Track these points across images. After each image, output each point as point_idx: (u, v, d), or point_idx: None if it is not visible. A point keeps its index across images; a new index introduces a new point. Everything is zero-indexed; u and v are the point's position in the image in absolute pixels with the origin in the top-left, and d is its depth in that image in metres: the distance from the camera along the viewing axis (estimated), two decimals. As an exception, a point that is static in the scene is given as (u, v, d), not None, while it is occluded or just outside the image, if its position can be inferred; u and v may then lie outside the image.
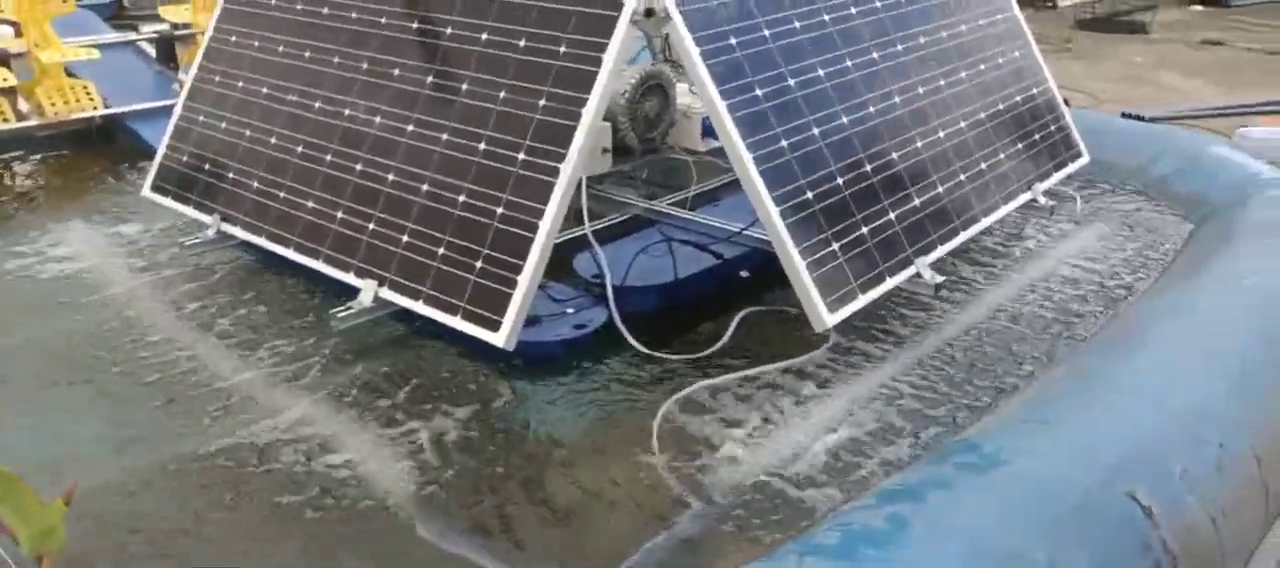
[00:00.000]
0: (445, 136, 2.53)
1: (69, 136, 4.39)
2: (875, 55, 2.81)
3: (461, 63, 2.59)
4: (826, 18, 2.75)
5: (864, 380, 2.44)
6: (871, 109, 2.70)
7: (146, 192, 3.26)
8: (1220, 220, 3.25)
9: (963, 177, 2.88)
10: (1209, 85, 8.36)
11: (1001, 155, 3.09)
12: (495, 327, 2.27)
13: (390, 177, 2.59)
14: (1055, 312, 2.81)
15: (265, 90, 3.03)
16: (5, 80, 4.19)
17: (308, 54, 2.97)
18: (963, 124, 2.99)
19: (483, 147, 2.45)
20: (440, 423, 2.25)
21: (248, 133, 3.00)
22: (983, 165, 2.99)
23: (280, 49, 3.05)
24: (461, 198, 2.43)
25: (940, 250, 2.68)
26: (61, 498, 1.33)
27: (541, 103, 2.39)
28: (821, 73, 2.62)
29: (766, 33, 2.57)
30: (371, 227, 2.56)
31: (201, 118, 3.17)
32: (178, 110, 3.29)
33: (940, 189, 2.77)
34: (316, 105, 2.86)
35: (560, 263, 2.65)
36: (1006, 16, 3.44)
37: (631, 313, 2.57)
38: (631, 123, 3.40)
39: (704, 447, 2.18)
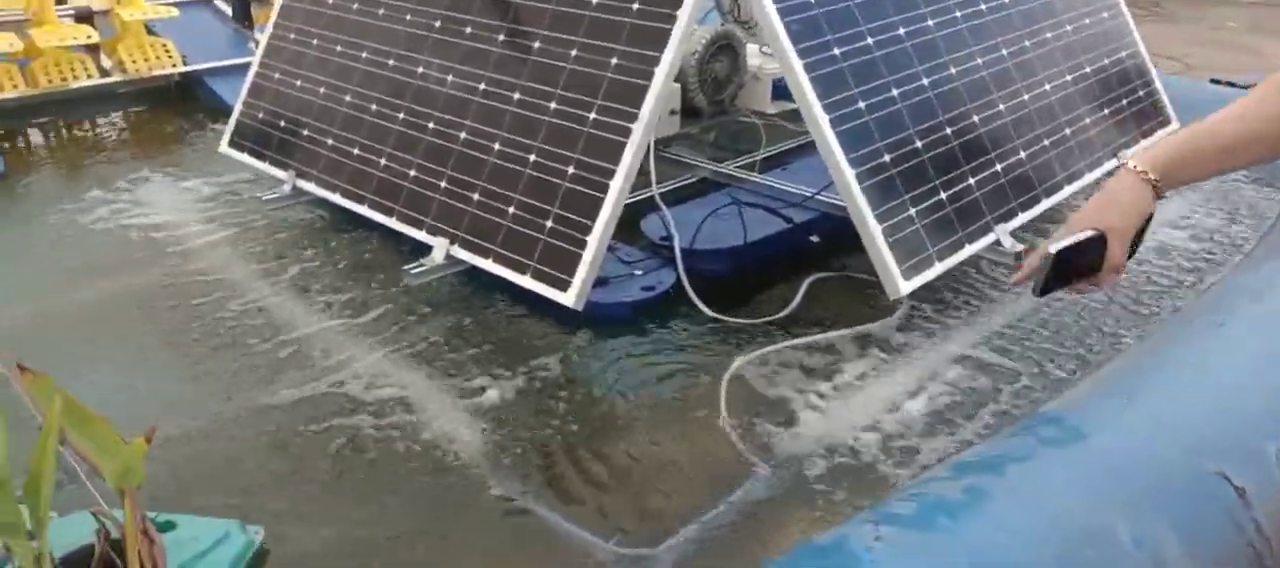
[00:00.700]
0: (517, 95, 2.52)
1: (149, 93, 4.50)
2: (958, 15, 2.71)
3: (534, 20, 2.58)
4: (907, -25, 2.67)
5: (937, 349, 2.38)
6: (953, 70, 2.61)
7: (224, 147, 3.33)
8: (1319, 192, 3.10)
9: (1047, 142, 2.78)
10: (1305, 51, 7.98)
11: (1087, 120, 2.98)
12: (564, 286, 2.27)
13: (462, 135, 2.59)
14: (1140, 284, 2.71)
15: (339, 48, 3.05)
16: (89, 37, 4.30)
17: (381, 12, 2.98)
18: (1047, 87, 2.88)
19: (554, 105, 2.44)
20: (508, 381, 2.26)
21: (322, 90, 3.03)
22: (1067, 131, 2.88)
23: (355, 6, 3.07)
24: (532, 157, 2.43)
25: (1021, 218, 2.60)
26: (142, 437, 1.37)
27: (613, 61, 2.37)
28: (902, 32, 2.54)
29: (845, -10, 2.51)
30: (443, 185, 2.57)
31: (277, 75, 3.21)
32: (254, 68, 3.33)
33: (1023, 154, 2.68)
34: (390, 63, 2.87)
35: (627, 224, 2.63)
36: (1095, -25, 3.31)
37: (699, 276, 2.55)
38: (701, 84, 3.37)
39: (772, 412, 2.15)
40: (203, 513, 1.75)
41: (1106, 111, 3.08)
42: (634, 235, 2.76)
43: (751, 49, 3.55)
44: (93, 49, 4.41)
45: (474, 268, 2.48)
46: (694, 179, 3.20)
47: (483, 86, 2.61)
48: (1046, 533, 1.56)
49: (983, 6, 2.80)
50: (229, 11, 5.16)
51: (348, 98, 2.95)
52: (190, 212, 3.24)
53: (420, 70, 2.79)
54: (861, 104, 2.36)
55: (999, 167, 2.60)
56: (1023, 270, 1.79)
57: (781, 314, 2.51)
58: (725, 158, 3.32)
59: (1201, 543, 1.63)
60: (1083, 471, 1.72)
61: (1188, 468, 1.75)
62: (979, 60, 2.70)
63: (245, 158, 3.22)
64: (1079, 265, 1.76)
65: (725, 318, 2.48)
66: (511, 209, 2.42)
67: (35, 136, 4.16)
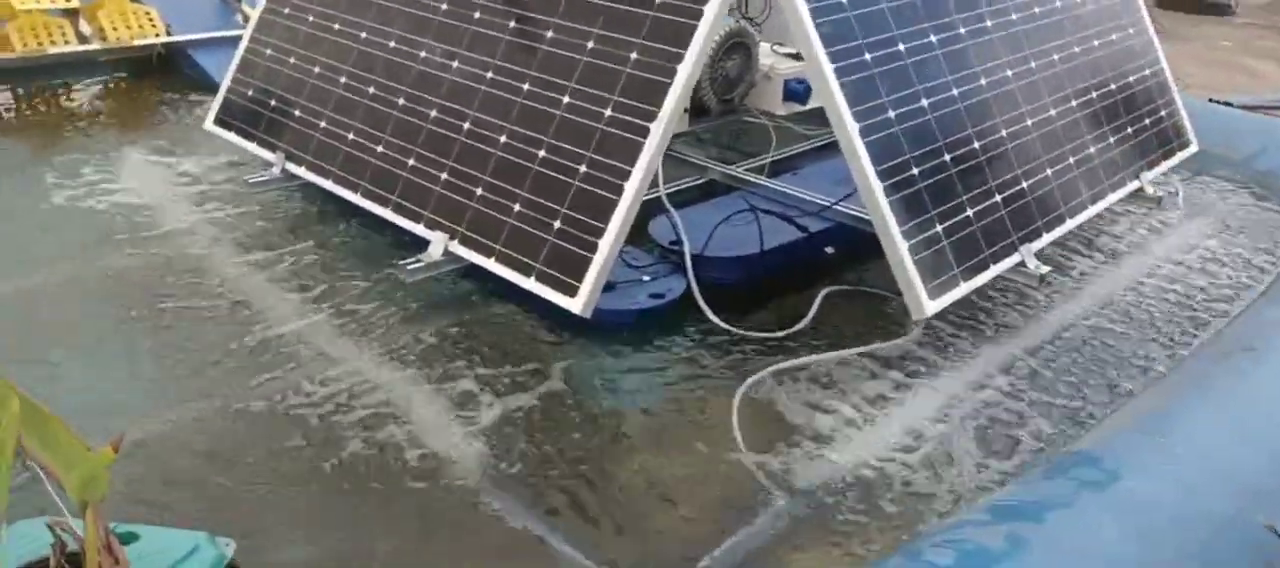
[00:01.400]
0: (527, 86, 2.38)
1: (129, 63, 4.31)
2: (989, 23, 2.60)
3: (547, 8, 2.44)
4: (938, -20, 2.55)
5: (959, 373, 2.28)
6: (983, 81, 2.51)
7: (209, 125, 3.16)
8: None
9: (1072, 159, 2.68)
10: (1300, 73, 7.97)
11: (1111, 139, 2.88)
12: (572, 291, 2.14)
13: (466, 125, 2.45)
14: (1162, 311, 2.62)
15: (336, 26, 2.90)
16: (68, 1, 4.10)
17: (382, -10, 2.83)
18: (1073, 103, 2.78)
19: (567, 99, 2.30)
20: (506, 390, 2.13)
21: (316, 70, 2.88)
22: (1092, 148, 2.78)
23: (353, -17, 2.92)
24: (541, 152, 2.29)
25: (1046, 238, 2.50)
26: (109, 445, 1.24)
27: (633, 55, 2.23)
28: (934, 38, 2.43)
29: (876, -8, 2.39)
30: (444, 176, 2.43)
31: (268, 51, 3.05)
32: (244, 42, 3.17)
33: (1049, 172, 2.58)
34: (390, 44, 2.72)
35: (633, 226, 2.50)
36: (1121, -10, 3.21)
37: (708, 284, 2.42)
38: (711, 82, 3.24)
39: (788, 434, 2.04)
40: (170, 524, 1.61)
41: (1130, 130, 2.99)
42: (639, 238, 2.63)
43: (764, 48, 3.42)
44: (72, 14, 4.21)
45: (473, 266, 2.35)
46: (702, 180, 3.08)
47: (490, 75, 2.47)
48: (1095, 590, 1.46)
49: (1014, 16, 2.69)
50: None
51: (343, 79, 2.80)
52: (170, 192, 3.08)
53: (423, 54, 2.64)
54: (892, 114, 2.24)
55: (1025, 184, 2.50)
56: None
57: (795, 328, 2.40)
58: (732, 159, 3.20)
59: (1256, 604, 1.54)
60: (1124, 521, 1.61)
61: (1234, 521, 1.66)
62: (1008, 72, 2.60)
63: (231, 137, 3.06)
64: None
65: (737, 330, 2.36)
66: (517, 206, 2.28)
67: (6, 104, 3.97)
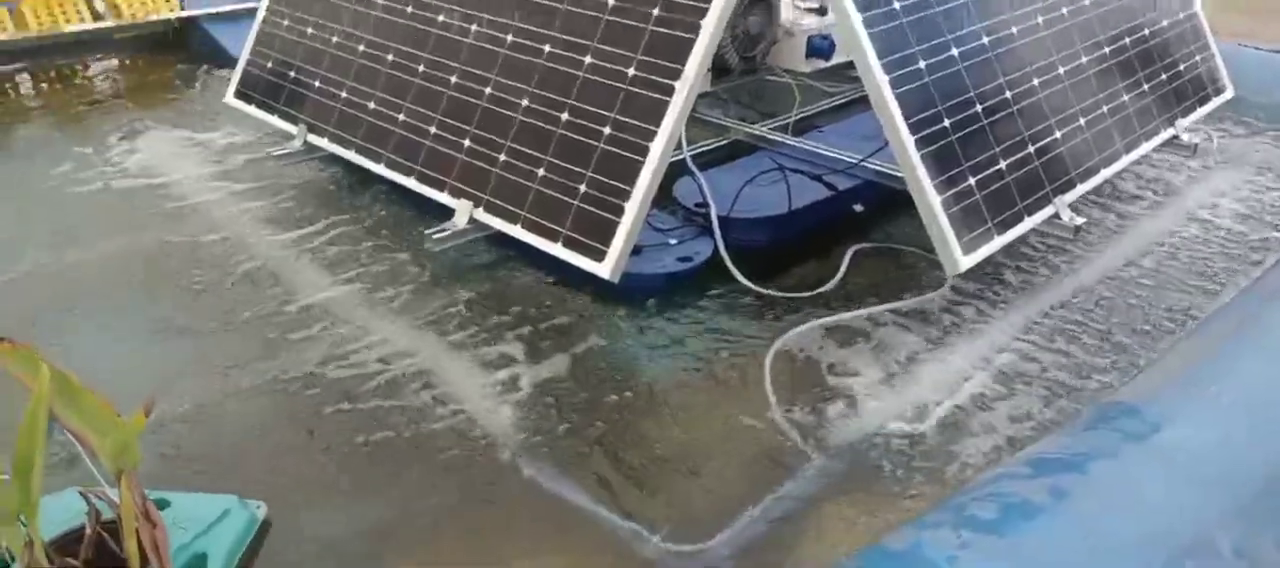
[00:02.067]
0: (548, 48, 2.35)
1: (145, 39, 4.30)
2: (1018, -31, 2.54)
3: (566, -33, 2.39)
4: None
5: (992, 326, 2.24)
6: (1013, 29, 2.45)
7: (229, 98, 3.15)
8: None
9: (1105, 109, 2.62)
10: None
11: (1145, 86, 2.82)
12: (599, 256, 2.12)
13: (487, 90, 2.42)
14: (1198, 260, 2.57)
15: (352, -6, 2.86)
16: (82, -21, 4.09)
17: (397, -45, 2.79)
18: (1106, 49, 2.72)
19: (589, 60, 2.27)
20: (538, 356, 2.12)
21: (335, 39, 2.85)
22: (1125, 97, 2.72)
23: (368, -50, 2.88)
24: (565, 115, 2.26)
25: (1080, 189, 2.45)
26: (140, 412, 1.25)
27: (655, 12, 2.19)
28: (962, -13, 2.37)
29: (902, -59, 2.33)
30: (467, 143, 2.41)
31: (286, 22, 3.03)
32: (261, 14, 3.14)
33: (1082, 121, 2.52)
34: (408, 10, 2.68)
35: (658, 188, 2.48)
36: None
37: (735, 246, 2.40)
38: (732, 39, 3.19)
39: (821, 393, 2.02)
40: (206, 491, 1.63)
41: (1164, 76, 2.92)
42: (665, 201, 2.60)
43: (784, 3, 3.36)
44: (86, -9, 4.21)
45: (500, 233, 2.33)
46: (725, 141, 3.04)
47: (510, 37, 2.43)
48: (1141, 547, 1.44)
49: (1043, -39, 2.62)
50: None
51: (362, 48, 2.77)
52: (193, 167, 3.07)
53: (441, 18, 2.61)
54: (922, 64, 2.19)
55: (1058, 134, 2.45)
56: None
57: (825, 287, 2.37)
58: (754, 119, 3.15)
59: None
60: (1173, 473, 1.58)
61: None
62: (1039, 19, 2.53)
63: (252, 110, 3.04)
64: None
65: (766, 291, 2.34)
66: (541, 171, 2.26)
67: (25, 83, 3.97)
